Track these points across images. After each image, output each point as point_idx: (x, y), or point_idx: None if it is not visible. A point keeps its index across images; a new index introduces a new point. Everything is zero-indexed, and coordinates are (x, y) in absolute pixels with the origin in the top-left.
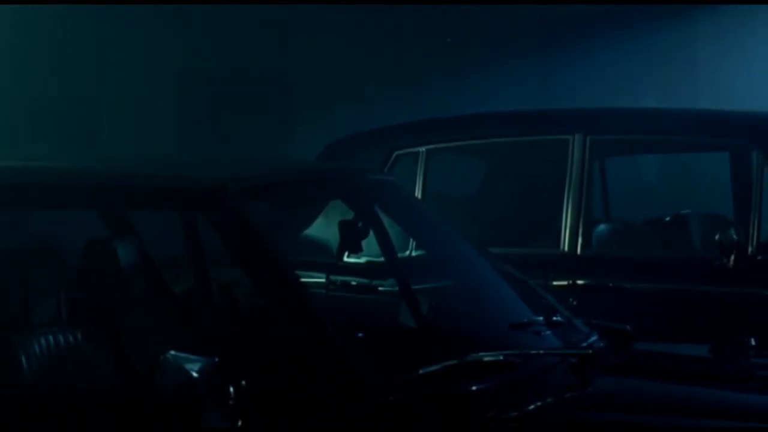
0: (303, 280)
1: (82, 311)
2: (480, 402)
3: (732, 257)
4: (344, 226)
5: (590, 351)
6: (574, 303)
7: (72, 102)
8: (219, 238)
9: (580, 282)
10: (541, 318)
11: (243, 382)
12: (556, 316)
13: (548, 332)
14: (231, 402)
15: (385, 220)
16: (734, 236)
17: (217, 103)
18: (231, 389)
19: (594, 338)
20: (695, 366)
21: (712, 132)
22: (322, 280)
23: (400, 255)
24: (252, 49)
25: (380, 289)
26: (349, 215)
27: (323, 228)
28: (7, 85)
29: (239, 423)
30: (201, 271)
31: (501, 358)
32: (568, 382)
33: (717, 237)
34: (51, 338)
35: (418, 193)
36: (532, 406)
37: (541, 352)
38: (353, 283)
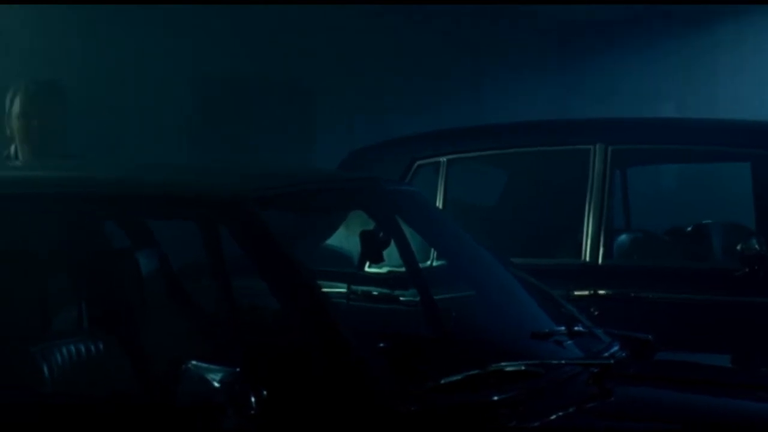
0: (324, 289)
1: (102, 320)
2: (501, 412)
3: (753, 267)
4: (365, 236)
5: (612, 361)
6: (596, 313)
7: (92, 110)
8: (239, 247)
9: (601, 292)
10: (562, 328)
11: (264, 392)
12: (578, 326)
13: (570, 342)
14: (252, 412)
15: (407, 230)
16: (756, 246)
17: (237, 111)
18: (252, 399)
19: (615, 348)
20: (717, 375)
21: (734, 141)
22: (344, 290)
23: (421, 265)
24: (273, 57)
25: (402, 299)
26: (370, 225)
27: (344, 238)
28: None
29: None
30: (222, 281)
31: (522, 367)
32: (590, 392)
33: (738, 247)
34: (72, 347)
35: (439, 203)
36: (553, 416)
37: (563, 361)
38: (374, 293)
